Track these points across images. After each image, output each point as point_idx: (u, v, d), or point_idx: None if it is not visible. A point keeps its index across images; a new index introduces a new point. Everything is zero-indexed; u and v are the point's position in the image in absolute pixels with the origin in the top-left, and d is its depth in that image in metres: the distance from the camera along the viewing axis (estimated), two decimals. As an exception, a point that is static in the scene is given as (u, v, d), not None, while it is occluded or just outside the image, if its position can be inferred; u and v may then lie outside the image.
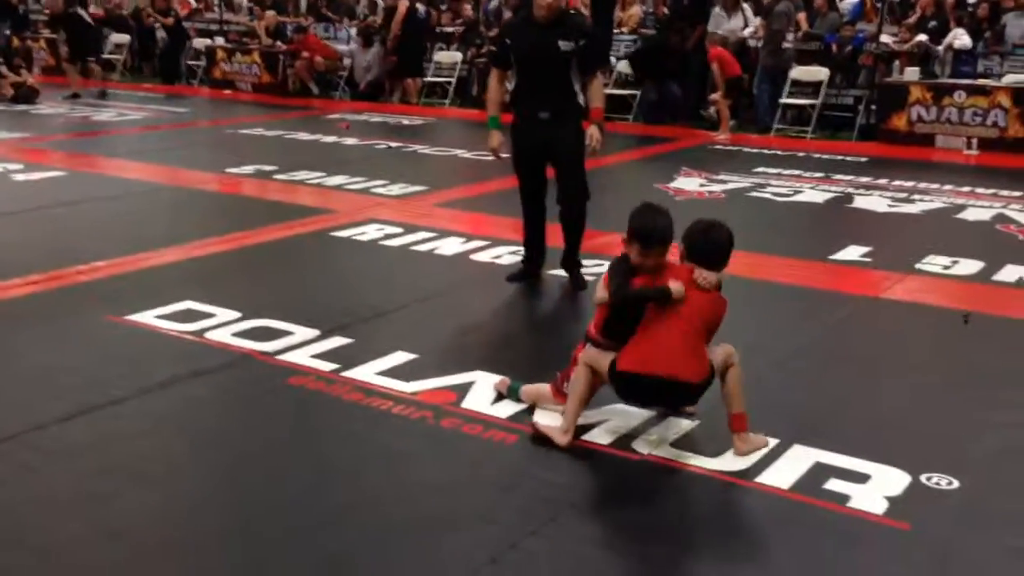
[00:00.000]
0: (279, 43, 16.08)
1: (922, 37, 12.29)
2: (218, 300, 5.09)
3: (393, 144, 10.92)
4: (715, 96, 11.78)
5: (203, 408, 3.92)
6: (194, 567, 2.80)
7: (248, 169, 9.16)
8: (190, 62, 17.48)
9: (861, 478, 3.33)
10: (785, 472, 3.37)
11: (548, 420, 3.67)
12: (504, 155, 5.62)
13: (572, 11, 5.74)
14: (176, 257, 6.06)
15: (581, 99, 5.35)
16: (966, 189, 8.58)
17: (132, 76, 18.22)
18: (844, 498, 3.21)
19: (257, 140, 11.23)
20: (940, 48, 12.27)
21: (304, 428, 3.74)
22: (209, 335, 4.63)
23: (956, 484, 3.31)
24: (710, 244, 3.53)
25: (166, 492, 3.24)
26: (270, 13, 16.94)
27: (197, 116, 13.63)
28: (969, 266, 6.03)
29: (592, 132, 5.34)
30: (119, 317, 4.87)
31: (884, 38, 12.35)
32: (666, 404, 3.71)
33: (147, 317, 4.86)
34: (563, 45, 5.17)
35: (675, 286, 3.42)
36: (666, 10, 13.96)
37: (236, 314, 4.90)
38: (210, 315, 4.89)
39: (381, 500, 3.18)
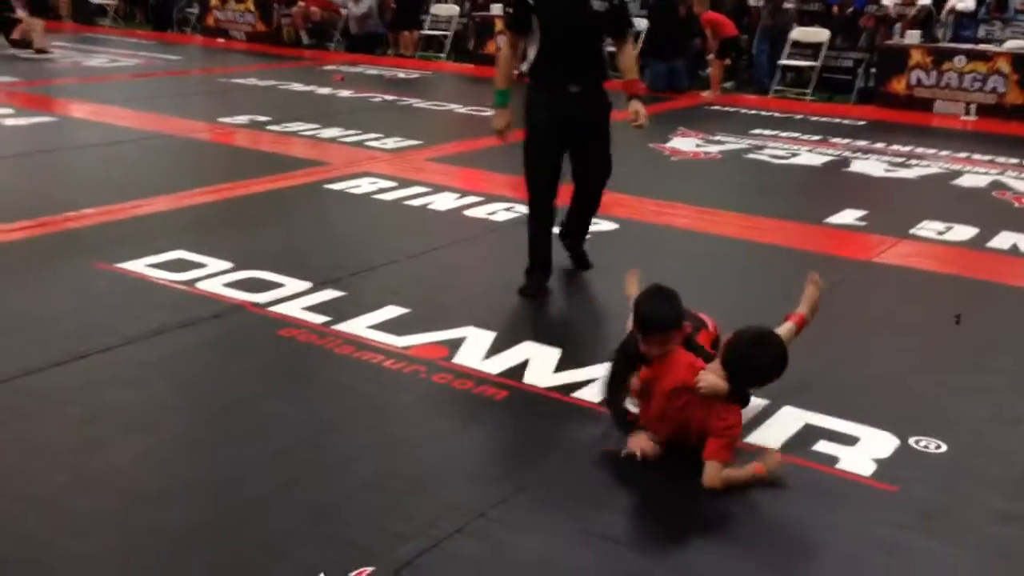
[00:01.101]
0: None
1: (924, 0, 12.17)
2: (209, 250, 5.06)
3: (388, 97, 10.81)
4: (710, 56, 11.68)
5: (192, 357, 3.90)
6: (181, 516, 2.80)
7: (241, 119, 9.07)
8: (186, 10, 17.24)
9: (850, 440, 3.34)
10: (775, 433, 3.37)
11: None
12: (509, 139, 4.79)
13: None
14: (167, 206, 6.01)
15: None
16: (963, 155, 8.55)
17: (124, 22, 17.97)
18: (833, 460, 3.23)
19: (250, 90, 11.11)
20: (942, 13, 12.16)
21: (294, 380, 3.73)
22: (200, 285, 4.60)
23: (944, 447, 3.33)
24: (745, 361, 3.04)
25: (154, 441, 3.23)
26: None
27: (190, 64, 13.47)
28: (964, 232, 6.02)
29: (637, 108, 4.67)
30: (109, 265, 4.83)
31: (885, 0, 12.23)
32: None
33: (137, 265, 4.82)
34: (596, 4, 4.46)
35: (633, 442, 3.17)
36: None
37: (227, 264, 4.87)
38: (201, 265, 4.86)
39: (370, 453, 3.18)
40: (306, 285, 4.63)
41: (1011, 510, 2.97)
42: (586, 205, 4.94)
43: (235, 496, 2.91)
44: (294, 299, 4.47)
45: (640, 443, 3.18)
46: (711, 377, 3.05)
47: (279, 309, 4.35)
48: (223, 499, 2.90)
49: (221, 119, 9.06)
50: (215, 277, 4.70)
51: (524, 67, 4.66)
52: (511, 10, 4.60)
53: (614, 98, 4.74)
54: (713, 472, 3.03)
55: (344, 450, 3.20)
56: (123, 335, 3.99)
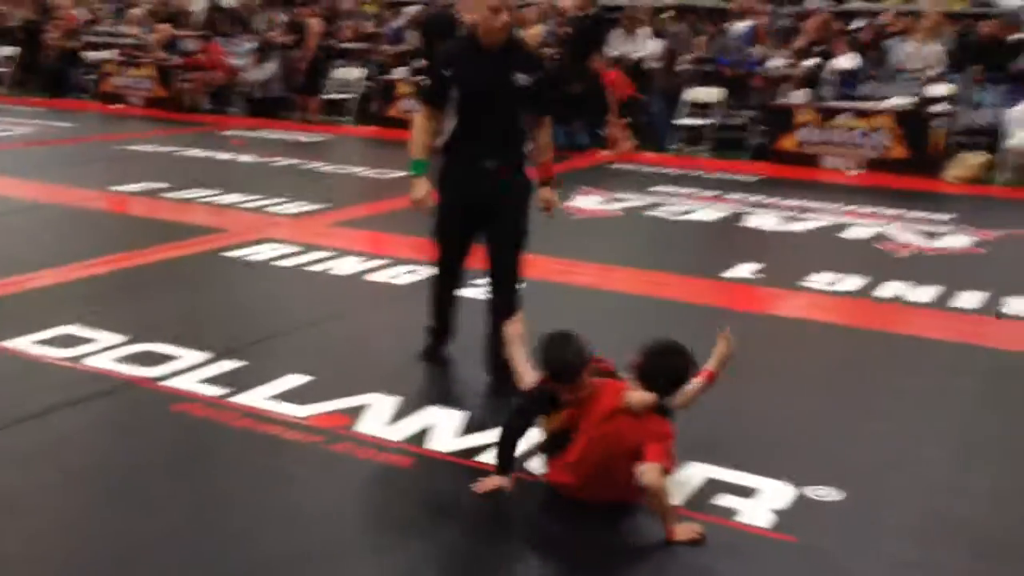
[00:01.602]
0: (174, 57, 15.70)
1: (810, 61, 12.71)
2: (101, 324, 4.90)
3: (294, 161, 10.74)
4: (610, 117, 11.97)
5: (79, 438, 3.76)
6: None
7: (136, 187, 8.88)
8: (83, 76, 16.92)
9: (749, 492, 3.39)
10: (677, 488, 3.40)
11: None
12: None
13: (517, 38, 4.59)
14: (57, 279, 5.82)
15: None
16: (850, 208, 8.89)
17: (18, 90, 17.53)
18: (732, 512, 3.27)
19: (147, 157, 10.91)
20: (826, 71, 12.71)
21: (187, 457, 3.62)
22: (89, 361, 4.45)
23: (841, 496, 3.40)
24: (663, 369, 3.27)
25: (41, 525, 3.09)
26: (165, 26, 16.53)
27: (85, 131, 13.18)
28: (852, 283, 6.23)
29: (548, 196, 4.44)
30: (-7, 343, 4.64)
31: (774, 61, 12.74)
32: None
33: (22, 343, 4.64)
34: (520, 79, 4.16)
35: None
36: (568, 29, 14.12)
37: (121, 338, 4.72)
38: (92, 340, 4.70)
39: (266, 530, 3.10)
40: (204, 356, 4.52)
41: (907, 557, 3.04)
42: (501, 309, 4.26)
43: (124, 582, 2.79)
44: (190, 372, 4.35)
45: (493, 482, 3.27)
46: (638, 393, 3.19)
47: (173, 383, 4.23)
48: (112, 585, 2.78)
49: (116, 187, 8.86)
50: (106, 352, 4.56)
51: (439, 141, 4.37)
52: (428, 82, 4.34)
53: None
54: (656, 474, 3.05)
55: (242, 526, 3.11)
56: (7, 416, 3.83)
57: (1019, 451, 3.85)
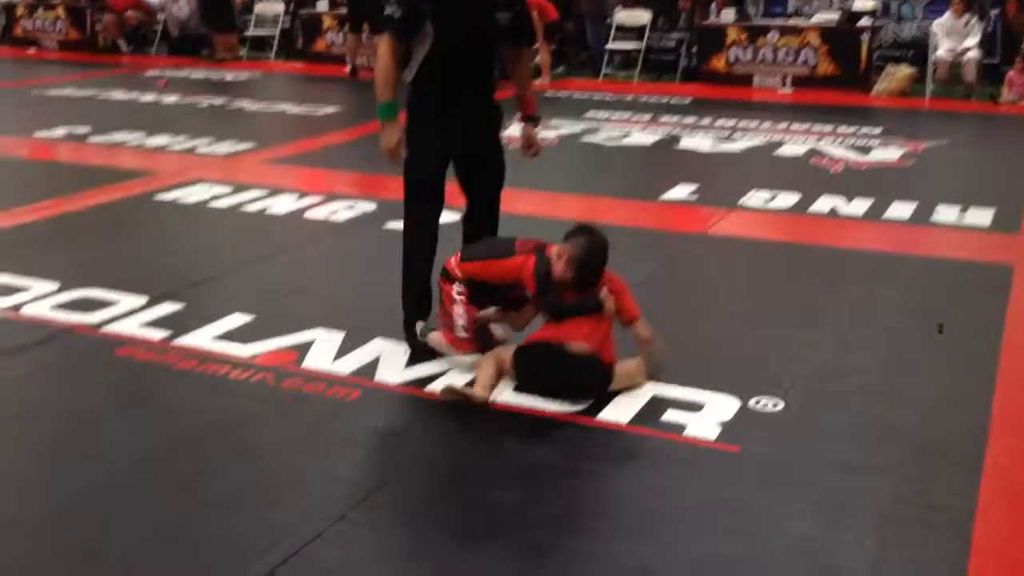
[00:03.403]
0: (86, -4, 15.10)
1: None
2: (33, 272, 4.79)
3: (217, 102, 10.48)
4: (536, 44, 11.85)
5: (21, 387, 3.69)
6: (19, 554, 2.65)
7: (59, 132, 8.61)
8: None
9: (695, 407, 3.48)
10: (624, 408, 3.47)
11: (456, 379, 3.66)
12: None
13: None
14: (-17, 229, 5.66)
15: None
16: (782, 126, 8.99)
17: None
18: (680, 428, 3.35)
19: (68, 101, 10.55)
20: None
21: (134, 401, 3.58)
22: (25, 310, 4.36)
23: (781, 405, 3.51)
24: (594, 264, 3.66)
25: (-15, 478, 3.05)
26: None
27: (0, 77, 12.70)
28: (787, 199, 6.33)
29: (530, 133, 4.17)
30: (-79, 297, 4.51)
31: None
32: (570, 385, 3.56)
33: (-47, 295, 4.53)
34: (501, 16, 3.91)
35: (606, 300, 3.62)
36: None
37: (55, 285, 4.62)
38: (25, 288, 4.60)
39: (219, 468, 3.09)
40: (142, 300, 4.45)
41: (846, 460, 3.16)
42: (483, 219, 4.17)
43: (75, 528, 2.78)
44: (130, 316, 4.29)
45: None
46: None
47: (114, 328, 4.16)
48: (63, 532, 2.76)
49: (38, 133, 8.58)
50: (43, 299, 4.46)
51: (406, 76, 3.99)
52: (399, 13, 3.87)
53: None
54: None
55: (191, 467, 3.10)
56: (-58, 370, 3.74)
57: (947, 357, 3.99)
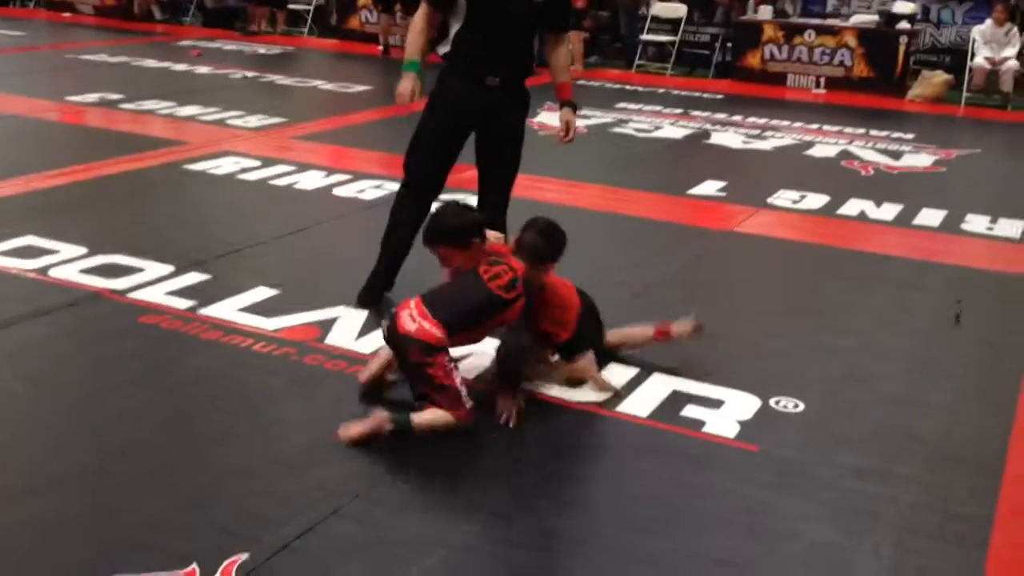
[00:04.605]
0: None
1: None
2: (62, 235, 4.83)
3: (249, 74, 10.51)
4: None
5: (47, 348, 3.73)
6: (47, 511, 2.68)
7: (92, 97, 8.65)
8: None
9: (715, 404, 3.47)
10: (644, 401, 3.47)
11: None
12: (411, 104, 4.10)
13: None
14: (14, 190, 5.70)
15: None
16: (814, 126, 8.92)
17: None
18: (699, 424, 3.34)
19: (101, 67, 10.61)
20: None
21: (158, 368, 3.61)
22: (53, 272, 4.39)
23: (801, 407, 3.49)
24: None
25: (10, 435, 3.08)
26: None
27: (35, 40, 12.76)
28: (816, 200, 6.29)
29: (568, 118, 4.14)
30: (-49, 254, 4.56)
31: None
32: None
33: (-17, 254, 4.57)
34: None
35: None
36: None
37: (82, 250, 4.66)
38: (53, 251, 4.63)
39: (240, 439, 3.12)
40: (168, 269, 4.48)
41: (865, 465, 3.14)
42: (495, 206, 4.13)
43: (101, 488, 2.80)
44: (155, 284, 4.31)
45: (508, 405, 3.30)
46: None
47: (140, 295, 4.19)
48: (89, 492, 2.79)
49: (70, 98, 8.63)
50: (69, 264, 4.50)
51: (441, 49, 4.02)
52: None
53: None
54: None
55: (213, 436, 3.12)
56: (-30, 328, 3.78)
57: (974, 366, 3.96)
